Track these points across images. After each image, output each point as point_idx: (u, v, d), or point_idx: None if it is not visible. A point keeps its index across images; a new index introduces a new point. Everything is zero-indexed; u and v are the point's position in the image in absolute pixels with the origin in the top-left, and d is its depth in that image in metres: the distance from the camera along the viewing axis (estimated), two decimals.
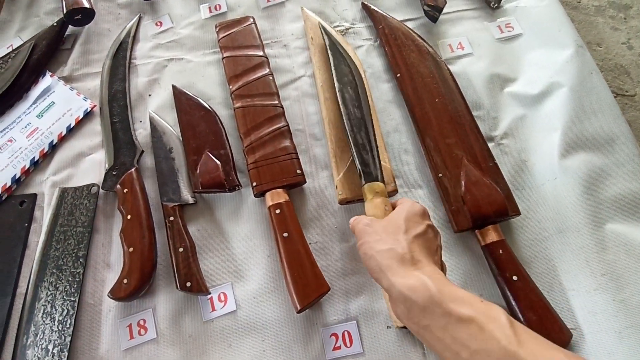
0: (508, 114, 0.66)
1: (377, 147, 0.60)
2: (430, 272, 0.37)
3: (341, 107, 0.62)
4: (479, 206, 0.56)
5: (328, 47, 0.68)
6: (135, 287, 0.55)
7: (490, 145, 0.62)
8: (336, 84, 0.64)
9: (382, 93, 0.70)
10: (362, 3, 0.78)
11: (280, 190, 0.60)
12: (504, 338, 0.31)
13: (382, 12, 0.75)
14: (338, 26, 0.76)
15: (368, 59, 0.73)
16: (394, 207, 0.50)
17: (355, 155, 0.57)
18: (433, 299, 0.34)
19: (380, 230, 0.43)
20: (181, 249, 0.57)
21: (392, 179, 0.60)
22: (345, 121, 0.61)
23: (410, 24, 0.75)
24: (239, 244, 0.60)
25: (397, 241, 0.40)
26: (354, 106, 0.62)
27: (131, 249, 0.57)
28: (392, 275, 0.37)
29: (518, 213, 0.57)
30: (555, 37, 0.71)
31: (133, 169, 0.64)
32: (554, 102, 0.65)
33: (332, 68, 0.65)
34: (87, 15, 0.77)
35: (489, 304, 0.34)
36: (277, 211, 0.58)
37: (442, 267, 0.45)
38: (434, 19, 0.74)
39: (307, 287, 0.53)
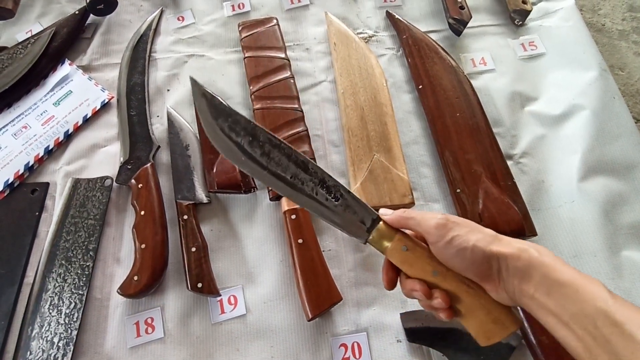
0: (528, 132, 0.66)
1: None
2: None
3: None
4: (496, 225, 0.56)
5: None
6: (145, 284, 0.54)
7: (509, 163, 0.62)
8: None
9: (402, 103, 0.69)
10: (387, 12, 0.78)
11: None
12: (600, 299, 0.30)
13: (406, 22, 0.75)
14: (361, 33, 0.76)
15: (390, 68, 0.72)
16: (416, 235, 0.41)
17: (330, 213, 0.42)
18: (537, 261, 0.34)
19: (464, 223, 0.39)
20: (194, 249, 0.57)
21: (409, 191, 0.60)
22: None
23: (433, 36, 0.75)
24: (252, 247, 0.59)
25: (482, 230, 0.38)
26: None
27: (143, 246, 0.56)
28: (500, 248, 0.35)
29: (534, 234, 0.57)
30: (579, 58, 0.70)
31: (149, 164, 0.63)
32: (575, 124, 0.65)
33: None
34: (109, 5, 0.76)
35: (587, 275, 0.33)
36: (293, 217, 0.58)
37: None
38: (458, 33, 0.74)
39: (320, 296, 0.53)
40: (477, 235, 0.37)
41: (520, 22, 0.75)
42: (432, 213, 0.39)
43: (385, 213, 0.41)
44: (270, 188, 0.60)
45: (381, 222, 0.40)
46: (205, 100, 0.43)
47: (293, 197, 0.42)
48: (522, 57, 0.73)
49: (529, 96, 0.69)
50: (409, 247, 0.39)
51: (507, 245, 0.36)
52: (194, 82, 0.44)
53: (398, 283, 0.41)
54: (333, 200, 0.41)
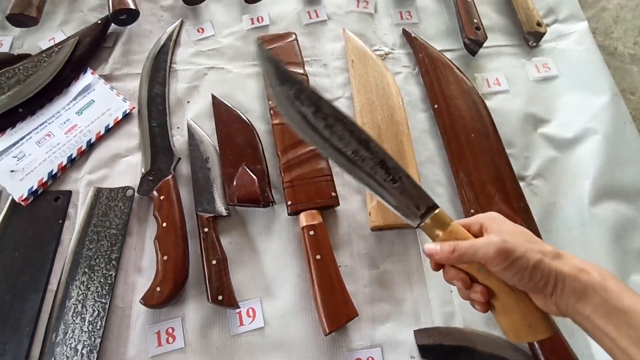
0: (540, 154, 0.67)
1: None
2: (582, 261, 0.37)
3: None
4: None
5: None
6: (167, 295, 0.56)
7: (521, 184, 0.64)
8: None
9: (418, 122, 0.71)
10: (403, 30, 0.79)
11: (314, 211, 0.61)
12: None
13: (422, 41, 0.76)
14: (377, 50, 0.77)
15: (406, 86, 0.74)
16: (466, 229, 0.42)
17: (389, 194, 0.43)
18: (599, 285, 0.34)
19: (517, 235, 0.39)
20: (214, 262, 0.58)
21: None
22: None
23: (448, 55, 0.76)
24: (270, 261, 0.61)
25: (540, 242, 0.38)
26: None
27: (165, 257, 0.58)
28: (560, 266, 0.36)
29: None
30: (592, 82, 0.72)
31: (170, 176, 0.64)
32: (587, 148, 0.66)
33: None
34: (131, 16, 0.77)
35: None
36: (311, 232, 0.59)
37: None
38: (473, 53, 0.75)
39: (337, 311, 0.55)
40: (537, 255, 0.36)
41: (535, 44, 0.77)
42: (481, 239, 0.38)
43: (431, 250, 0.40)
44: (289, 202, 0.62)
45: (437, 211, 0.41)
46: (272, 66, 0.41)
47: (352, 173, 0.43)
48: (535, 79, 0.74)
49: (542, 118, 0.71)
50: (459, 240, 0.39)
51: (567, 264, 0.36)
52: (260, 47, 0.43)
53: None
54: (391, 181, 0.42)
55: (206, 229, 0.61)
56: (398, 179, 0.42)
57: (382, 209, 0.62)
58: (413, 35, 0.77)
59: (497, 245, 0.36)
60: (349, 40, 0.77)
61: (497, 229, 0.39)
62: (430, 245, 0.41)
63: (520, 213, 0.61)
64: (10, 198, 0.65)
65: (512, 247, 0.36)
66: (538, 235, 0.59)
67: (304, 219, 0.60)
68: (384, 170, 0.42)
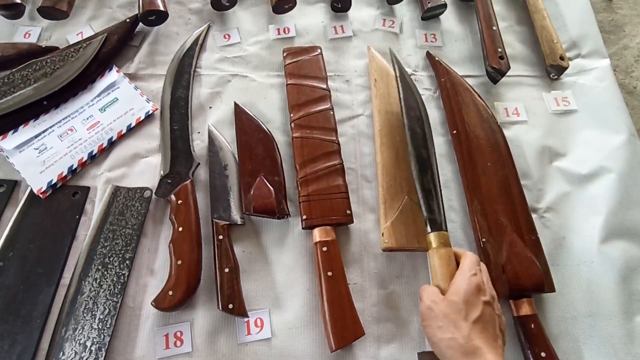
0: (554, 188, 0.68)
1: (441, 191, 0.59)
2: None
3: (409, 145, 0.61)
4: (518, 278, 0.59)
5: (398, 78, 0.67)
6: (179, 299, 0.57)
7: (533, 216, 0.64)
8: (405, 119, 0.63)
9: (436, 146, 0.70)
10: (427, 52, 0.80)
11: (329, 227, 0.62)
12: None
13: (445, 65, 0.77)
14: None
15: (427, 109, 0.74)
16: (456, 256, 0.54)
17: (422, 201, 0.57)
18: None
19: (442, 315, 0.46)
20: (227, 270, 0.59)
21: None
22: (412, 162, 0.60)
23: (470, 80, 0.77)
24: (281, 272, 0.62)
25: (457, 329, 0.43)
26: (421, 146, 0.61)
27: (179, 262, 0.59)
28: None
29: (553, 290, 0.59)
30: (610, 120, 0.73)
31: (188, 181, 0.65)
32: (600, 186, 0.67)
33: (401, 101, 0.64)
34: (160, 17, 0.78)
35: None
36: (324, 249, 0.60)
37: (503, 336, 0.48)
38: (495, 81, 0.76)
39: (345, 329, 0.55)
40: (444, 335, 0.45)
41: (556, 77, 0.78)
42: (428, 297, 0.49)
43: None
44: (304, 216, 0.62)
45: (443, 232, 0.54)
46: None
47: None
48: (554, 112, 0.75)
49: (557, 152, 0.71)
50: (442, 262, 0.52)
51: None
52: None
53: None
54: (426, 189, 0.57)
55: (221, 237, 0.62)
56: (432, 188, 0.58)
57: (396, 230, 0.62)
58: (437, 58, 0.78)
59: (422, 310, 0.49)
60: (373, 58, 0.78)
61: (445, 297, 0.48)
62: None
63: (531, 246, 0.61)
64: (29, 189, 0.66)
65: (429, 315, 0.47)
66: (547, 270, 0.60)
67: (317, 234, 0.61)
68: (424, 176, 0.58)
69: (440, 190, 0.59)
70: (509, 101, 0.76)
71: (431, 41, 0.82)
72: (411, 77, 0.78)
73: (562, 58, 0.76)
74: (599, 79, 0.77)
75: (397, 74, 0.68)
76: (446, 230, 0.55)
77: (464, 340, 0.42)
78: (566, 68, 0.76)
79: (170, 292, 0.57)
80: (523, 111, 0.75)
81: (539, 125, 0.74)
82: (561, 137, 0.73)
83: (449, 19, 0.85)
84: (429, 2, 0.81)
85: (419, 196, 0.58)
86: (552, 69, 0.77)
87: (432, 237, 0.55)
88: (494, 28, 0.77)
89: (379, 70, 0.76)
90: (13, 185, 0.67)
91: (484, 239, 0.62)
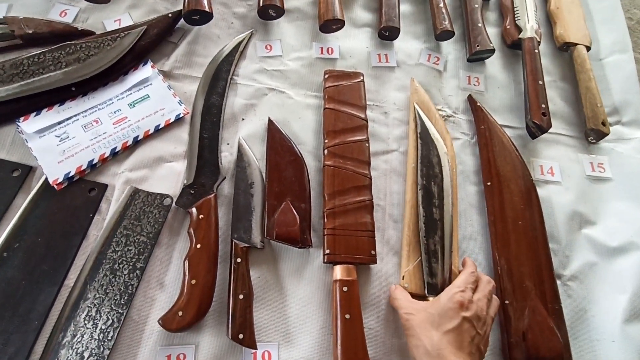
0: (581, 256, 0.67)
1: (450, 253, 0.60)
2: None
3: (420, 202, 0.63)
4: (537, 348, 0.57)
5: (419, 135, 0.68)
6: (188, 322, 0.54)
7: (557, 283, 0.63)
8: (418, 178, 0.65)
9: (467, 194, 0.70)
10: (469, 96, 0.78)
11: (351, 266, 0.59)
12: None
13: (486, 112, 0.76)
14: (440, 110, 0.77)
15: (461, 154, 0.73)
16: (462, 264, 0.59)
17: (424, 262, 0.60)
18: None
19: (416, 325, 0.51)
20: (241, 296, 0.57)
21: None
22: (420, 221, 0.62)
23: (508, 131, 0.75)
24: (295, 305, 0.59)
25: (428, 338, 0.49)
26: (434, 205, 0.63)
27: (194, 281, 0.56)
28: None
29: None
30: None
31: (212, 195, 0.63)
32: (628, 262, 0.66)
33: (418, 158, 0.66)
34: (205, 17, 0.76)
35: None
36: (345, 289, 0.58)
37: (480, 355, 0.50)
38: (534, 137, 0.74)
39: None
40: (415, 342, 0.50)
41: (595, 141, 0.76)
42: (402, 304, 0.55)
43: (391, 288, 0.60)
44: (327, 250, 0.60)
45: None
46: None
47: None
48: (589, 177, 0.74)
49: (588, 219, 0.70)
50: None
51: None
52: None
53: None
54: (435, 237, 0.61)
55: (239, 259, 0.59)
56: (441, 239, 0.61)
57: (417, 276, 0.61)
58: (478, 104, 0.77)
59: (401, 320, 0.55)
60: (416, 91, 0.76)
61: (425, 307, 0.53)
62: (392, 286, 0.60)
63: (553, 315, 0.60)
64: (43, 178, 0.63)
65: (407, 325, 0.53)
66: (567, 343, 0.58)
67: (339, 272, 0.59)
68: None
69: (450, 251, 0.61)
70: (545, 159, 0.75)
71: (474, 84, 0.80)
72: (450, 118, 0.76)
73: (603, 123, 0.75)
74: (638, 150, 0.76)
75: (419, 130, 0.69)
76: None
77: (431, 347, 0.46)
78: (607, 134, 0.75)
79: (180, 313, 0.54)
80: (558, 171, 0.74)
81: (573, 188, 0.72)
82: (593, 204, 0.71)
83: (494, 64, 0.83)
84: (477, 45, 0.79)
85: (422, 257, 0.60)
86: (591, 133, 0.76)
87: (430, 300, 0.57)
88: (540, 82, 0.75)
89: (420, 105, 0.74)
90: (27, 170, 0.64)
91: (507, 301, 0.60)
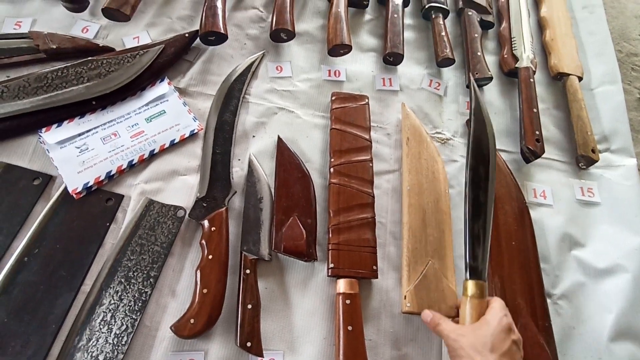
0: (570, 276, 0.71)
1: (489, 241, 0.59)
2: None
3: (468, 183, 0.60)
4: None
5: (473, 110, 0.65)
6: (200, 329, 0.57)
7: (547, 301, 0.67)
8: (469, 157, 0.62)
9: (463, 215, 0.73)
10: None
11: (354, 280, 0.63)
12: None
13: None
14: (439, 133, 0.81)
15: (459, 176, 0.77)
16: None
17: (468, 246, 0.58)
18: None
19: (468, 346, 0.50)
20: (249, 306, 0.60)
21: (455, 303, 0.64)
22: (467, 203, 0.60)
23: (503, 155, 0.80)
24: (300, 316, 0.63)
25: (483, 358, 0.47)
26: (481, 188, 0.61)
27: (205, 291, 0.59)
28: None
29: None
30: (630, 220, 0.76)
31: (224, 209, 0.66)
32: (615, 284, 0.70)
33: (471, 135, 0.63)
34: (220, 38, 0.80)
35: None
36: (347, 301, 0.61)
37: None
38: (527, 161, 0.79)
39: None
40: None
41: (584, 167, 0.81)
42: (452, 332, 0.53)
43: (426, 315, 0.58)
44: (331, 264, 0.63)
45: (482, 282, 0.55)
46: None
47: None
48: (579, 201, 0.78)
49: (578, 241, 0.74)
50: (474, 312, 0.54)
51: None
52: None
53: None
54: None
55: (248, 271, 0.62)
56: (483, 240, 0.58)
57: (418, 295, 0.64)
58: None
59: (447, 343, 0.53)
60: (407, 117, 0.79)
61: (474, 328, 0.52)
62: (427, 312, 0.59)
63: (543, 332, 0.63)
64: (62, 186, 0.66)
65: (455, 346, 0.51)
66: (555, 358, 0.62)
67: (342, 285, 0.62)
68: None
69: (489, 239, 0.58)
70: (537, 182, 0.79)
71: None
72: (449, 141, 0.81)
73: (593, 151, 0.80)
74: (625, 177, 0.81)
75: (473, 105, 0.65)
76: (485, 281, 0.56)
77: None
78: (596, 161, 0.79)
79: (192, 320, 0.57)
80: (550, 195, 0.78)
81: (564, 211, 0.77)
82: (583, 227, 0.75)
83: (492, 90, 0.88)
84: (476, 73, 0.84)
85: (465, 240, 0.58)
86: (582, 159, 0.80)
87: (470, 285, 0.56)
88: (535, 110, 0.80)
89: (412, 129, 0.77)
90: (48, 179, 0.67)
91: None
